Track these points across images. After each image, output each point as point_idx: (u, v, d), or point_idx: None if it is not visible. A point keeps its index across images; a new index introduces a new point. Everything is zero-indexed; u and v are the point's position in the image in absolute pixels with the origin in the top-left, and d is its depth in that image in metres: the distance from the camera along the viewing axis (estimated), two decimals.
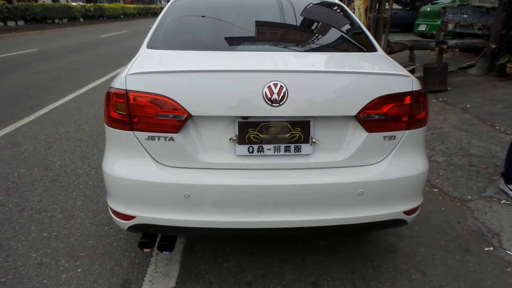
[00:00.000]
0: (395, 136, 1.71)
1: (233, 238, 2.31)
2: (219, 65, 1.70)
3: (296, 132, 1.66)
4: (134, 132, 1.63)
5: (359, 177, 1.68)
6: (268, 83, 1.56)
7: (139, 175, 1.65)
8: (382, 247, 2.32)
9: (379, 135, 1.69)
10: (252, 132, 1.64)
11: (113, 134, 1.70)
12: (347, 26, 2.45)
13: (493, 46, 6.01)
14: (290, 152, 1.67)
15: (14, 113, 5.08)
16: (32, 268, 2.10)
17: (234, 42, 2.15)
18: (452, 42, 6.08)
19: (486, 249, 2.31)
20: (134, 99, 1.60)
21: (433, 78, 5.65)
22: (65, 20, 26.03)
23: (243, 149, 1.65)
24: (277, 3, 2.49)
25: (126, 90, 1.60)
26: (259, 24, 2.31)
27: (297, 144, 1.67)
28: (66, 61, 9.62)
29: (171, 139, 1.62)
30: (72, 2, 31.18)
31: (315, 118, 1.66)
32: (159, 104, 1.59)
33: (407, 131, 1.72)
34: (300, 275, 2.07)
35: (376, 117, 1.66)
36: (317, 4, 2.66)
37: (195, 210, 1.65)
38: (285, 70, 1.60)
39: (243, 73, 1.60)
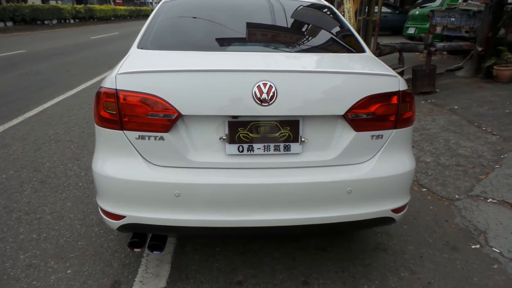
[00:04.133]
0: (382, 135, 1.74)
1: (224, 237, 2.32)
2: (209, 65, 1.71)
3: (286, 132, 1.68)
4: (124, 131, 1.63)
5: (347, 176, 1.70)
6: (258, 82, 1.58)
7: (129, 175, 1.65)
8: (372, 246, 2.35)
9: (367, 134, 1.71)
10: (242, 132, 1.66)
11: (103, 133, 1.70)
12: (336, 28, 2.48)
13: (480, 49, 6.12)
14: (279, 151, 1.69)
15: (2, 114, 5.02)
16: (21, 270, 2.08)
17: (224, 43, 2.17)
18: (440, 44, 6.18)
19: (473, 246, 2.35)
20: (124, 99, 1.60)
21: (422, 80, 5.73)
22: (55, 21, 25.80)
23: (233, 148, 1.67)
24: (267, 5, 2.52)
25: (116, 89, 1.61)
26: (249, 25, 2.33)
27: (287, 143, 1.69)
28: (56, 63, 9.53)
29: (161, 138, 1.63)
30: (62, 3, 30.90)
31: (304, 117, 1.68)
32: (149, 104, 1.59)
33: (394, 130, 1.75)
34: (291, 274, 2.09)
35: (364, 116, 1.69)
36: (307, 6, 2.69)
37: (186, 209, 1.66)
38: (274, 70, 1.62)
39: (233, 72, 1.62)
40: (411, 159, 1.86)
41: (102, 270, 2.09)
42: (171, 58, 1.90)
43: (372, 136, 1.73)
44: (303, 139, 1.70)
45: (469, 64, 6.60)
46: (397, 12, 15.36)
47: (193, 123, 1.65)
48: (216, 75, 1.61)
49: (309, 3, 2.72)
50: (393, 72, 1.79)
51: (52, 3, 29.92)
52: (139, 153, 1.66)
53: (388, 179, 1.76)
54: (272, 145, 1.68)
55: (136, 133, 1.63)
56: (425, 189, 3.09)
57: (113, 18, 35.32)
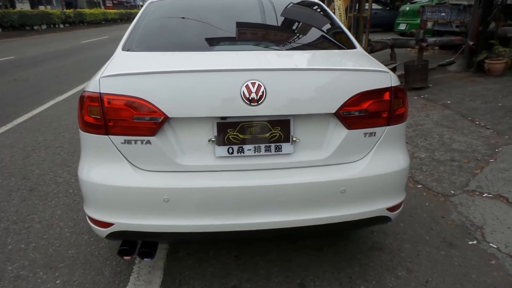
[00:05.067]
0: (375, 133, 1.70)
1: (217, 242, 2.27)
2: (195, 65, 1.66)
3: (276, 132, 1.63)
4: (110, 136, 1.58)
5: (341, 175, 1.66)
6: (246, 82, 1.53)
7: (115, 181, 1.59)
8: (368, 245, 2.31)
9: (360, 132, 1.68)
10: (231, 133, 1.61)
11: (88, 139, 1.65)
12: (326, 25, 2.45)
13: (471, 43, 6.13)
14: (270, 152, 1.64)
15: None
16: (8, 281, 2.02)
17: (212, 42, 2.12)
18: (431, 40, 6.18)
19: (470, 242, 2.33)
20: (109, 102, 1.55)
21: (414, 76, 5.73)
22: (44, 27, 25.49)
23: (222, 150, 1.62)
24: (256, 2, 2.47)
25: (100, 93, 1.55)
26: (238, 24, 2.28)
27: (278, 144, 1.64)
28: (45, 68, 9.41)
29: (148, 142, 1.57)
30: (52, 8, 30.62)
31: (295, 116, 1.64)
32: (135, 107, 1.54)
33: (387, 127, 1.72)
34: (287, 276, 2.04)
35: (356, 113, 1.65)
36: (297, 3, 2.65)
37: (175, 215, 1.61)
38: (262, 69, 1.58)
39: (219, 72, 1.57)
40: (405, 156, 1.83)
41: (93, 279, 2.03)
42: (156, 59, 1.85)
43: (365, 133, 1.69)
44: (294, 139, 1.65)
45: (461, 59, 6.62)
46: (388, 8, 15.40)
47: (181, 125, 1.60)
48: (203, 76, 1.56)
49: (298, 0, 2.68)
50: (384, 68, 1.75)
51: (42, 8, 29.61)
52: (126, 158, 1.60)
53: (382, 177, 1.72)
54: (262, 146, 1.64)
55: (122, 138, 1.58)
56: (420, 186, 3.07)
57: (103, 22, 35.05)
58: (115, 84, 1.56)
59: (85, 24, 30.99)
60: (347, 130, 1.65)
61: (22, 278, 2.04)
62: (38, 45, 15.89)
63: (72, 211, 2.73)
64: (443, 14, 7.25)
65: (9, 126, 4.80)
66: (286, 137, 1.64)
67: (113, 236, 1.69)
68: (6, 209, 2.77)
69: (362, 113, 1.65)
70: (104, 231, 1.68)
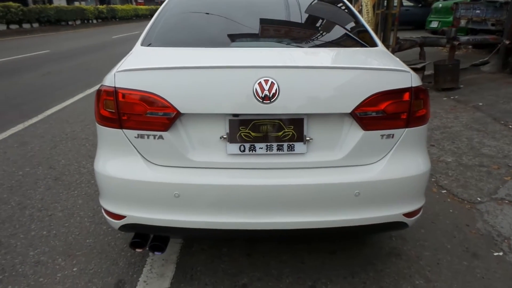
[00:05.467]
0: (393, 135, 1.64)
1: (227, 240, 2.26)
2: (209, 62, 1.65)
3: (289, 131, 1.60)
4: (124, 130, 1.60)
5: (355, 177, 1.61)
6: (259, 79, 1.51)
7: (128, 174, 1.62)
8: (385, 251, 2.24)
9: (376, 133, 1.62)
10: (243, 130, 1.59)
11: (103, 132, 1.68)
12: (348, 22, 2.38)
13: (507, 42, 5.81)
14: (283, 151, 1.62)
15: (24, 113, 5.14)
16: (29, 266, 2.10)
17: (231, 39, 2.10)
18: (464, 38, 5.91)
19: (496, 254, 2.21)
20: (123, 97, 1.57)
21: (444, 76, 5.49)
22: (78, 22, 26.40)
23: (234, 147, 1.61)
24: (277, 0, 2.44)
25: (115, 87, 1.58)
26: (257, 21, 2.26)
27: (290, 143, 1.61)
28: (78, 62, 9.73)
29: (161, 137, 1.58)
30: (86, 4, 31.66)
31: (309, 115, 1.60)
32: (148, 102, 1.55)
33: (406, 129, 1.65)
34: (298, 278, 2.01)
35: (373, 114, 1.59)
36: (321, 0, 2.59)
37: (185, 210, 1.61)
38: (276, 66, 1.55)
39: (233, 69, 1.56)
40: (425, 160, 1.75)
41: (108, 269, 2.08)
42: (173, 55, 1.86)
43: (382, 135, 1.63)
44: (307, 139, 1.62)
45: (495, 59, 6.30)
46: (420, 5, 14.85)
47: (193, 121, 1.60)
48: (216, 72, 1.55)
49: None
50: (405, 67, 1.68)
51: (76, 4, 30.66)
52: (139, 152, 1.62)
53: (400, 181, 1.65)
54: (275, 144, 1.61)
55: (135, 132, 1.60)
56: (444, 191, 2.94)
57: (134, 18, 35.85)
58: (130, 79, 1.58)
59: (117, 19, 31.84)
60: (363, 131, 1.60)
61: (42, 264, 2.12)
62: (72, 39, 16.47)
63: (92, 201, 2.80)
64: (478, 11, 6.91)
65: (40, 117, 4.99)
66: (299, 137, 1.61)
67: (125, 228, 1.72)
68: (32, 196, 2.89)
69: (380, 114, 1.59)
70: (117, 223, 1.71)
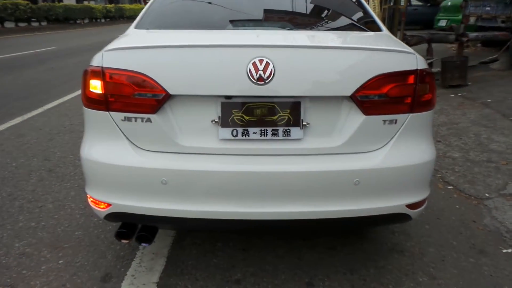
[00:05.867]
0: (396, 120, 1.53)
1: (219, 231, 2.16)
2: (202, 41, 1.55)
3: (285, 114, 1.50)
4: (110, 112, 1.51)
5: (355, 165, 1.50)
6: (253, 59, 1.41)
7: (114, 159, 1.53)
8: (387, 247, 2.13)
9: (378, 118, 1.51)
10: (236, 114, 1.50)
11: (89, 115, 1.59)
12: (353, 10, 2.27)
13: None
14: (278, 136, 1.51)
15: (23, 106, 5.09)
16: (13, 258, 2.02)
17: (228, 22, 2.01)
18: (472, 34, 5.75)
19: (504, 251, 2.08)
20: (111, 77, 1.48)
21: (452, 73, 5.35)
22: (86, 21, 26.55)
23: (226, 132, 1.51)
24: None
25: (102, 67, 1.49)
26: (256, 5, 2.17)
27: (286, 128, 1.51)
28: (82, 59, 9.69)
29: (148, 120, 1.49)
30: (95, 3, 31.83)
31: (306, 98, 1.49)
32: (136, 82, 1.46)
33: (410, 114, 1.54)
34: (295, 274, 1.91)
35: (375, 98, 1.48)
36: None
37: (173, 198, 1.52)
38: (272, 45, 1.45)
39: (225, 48, 1.46)
40: (430, 148, 1.64)
41: (95, 262, 1.99)
42: (165, 36, 1.77)
43: (384, 120, 1.52)
44: (304, 123, 1.51)
45: (505, 56, 6.13)
46: (429, 4, 14.64)
47: (183, 104, 1.51)
48: (207, 51, 1.46)
49: None
50: (410, 49, 1.57)
51: (85, 3, 30.84)
52: (126, 136, 1.53)
53: (402, 169, 1.54)
54: (269, 129, 1.51)
55: (122, 114, 1.51)
56: (451, 187, 2.82)
57: None
58: (118, 58, 1.50)
59: (125, 18, 31.96)
60: (364, 116, 1.49)
61: (27, 256, 2.04)
62: (78, 37, 16.51)
63: (85, 193, 2.69)
64: (488, 8, 6.74)
65: (40, 110, 4.94)
66: (295, 121, 1.50)
67: (111, 217, 1.63)
68: (23, 187, 2.81)
69: (382, 97, 1.48)
70: (102, 212, 1.62)
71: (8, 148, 3.61)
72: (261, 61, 1.41)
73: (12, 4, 19.16)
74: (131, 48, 1.51)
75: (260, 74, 1.41)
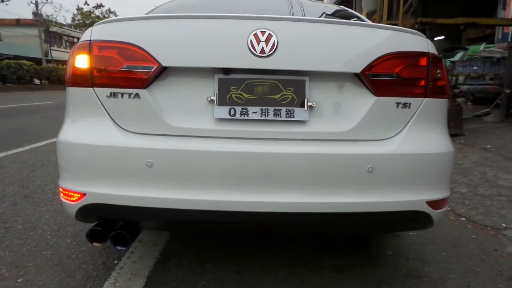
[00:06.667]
0: (410, 104, 1.39)
1: (215, 230, 1.85)
2: (198, 13, 1.46)
3: (288, 93, 1.36)
4: (95, 88, 1.36)
5: (368, 149, 1.33)
6: (254, 30, 1.31)
7: (92, 139, 1.34)
8: (402, 272, 1.85)
9: (390, 100, 1.37)
10: (234, 91, 1.35)
11: (71, 94, 1.44)
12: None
13: (508, 91, 5.79)
14: (280, 116, 1.35)
15: (10, 144, 4.91)
16: None
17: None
18: (464, 87, 5.91)
19: None
20: (99, 50, 1.36)
21: (448, 122, 5.34)
22: None
23: (223, 111, 1.35)
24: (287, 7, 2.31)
25: (90, 40, 1.37)
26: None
27: (290, 108, 1.36)
28: None
29: (137, 96, 1.34)
30: None
31: (312, 76, 1.37)
32: (126, 54, 1.34)
33: (425, 99, 1.40)
34: None
35: (386, 77, 1.36)
36: (331, 13, 2.46)
37: (159, 185, 1.30)
38: (274, 18, 1.35)
39: (223, 20, 1.36)
40: (449, 141, 1.48)
41: (61, 281, 1.67)
42: (161, 13, 1.68)
43: (398, 103, 1.38)
44: (310, 104, 1.36)
45: (498, 110, 6.24)
46: None
47: (176, 79, 1.37)
48: (204, 22, 1.36)
49: (333, 10, 2.50)
50: (421, 34, 1.49)
51: None
52: (109, 115, 1.36)
53: (420, 158, 1.37)
54: (271, 108, 1.35)
55: (107, 90, 1.35)
56: (463, 218, 2.59)
57: None
58: (108, 31, 1.39)
59: None
60: (375, 97, 1.36)
61: None
62: None
63: (61, 216, 2.44)
64: (475, 67, 7.05)
65: (26, 147, 4.75)
66: (300, 101, 1.36)
67: (84, 213, 1.39)
68: None
69: (394, 77, 1.37)
70: (74, 206, 1.38)
71: None
72: (263, 32, 1.31)
73: (16, 63, 19.92)
74: (122, 20, 1.40)
75: (262, 46, 1.30)
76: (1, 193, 2.89)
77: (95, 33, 1.39)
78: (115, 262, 1.85)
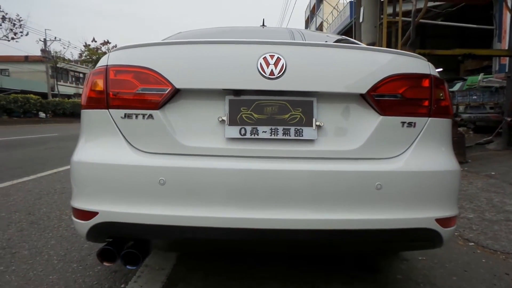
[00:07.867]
0: (415, 123, 1.43)
1: (224, 249, 1.83)
2: (209, 39, 1.54)
3: (297, 113, 1.41)
4: (110, 110, 1.42)
5: (376, 167, 1.36)
6: (264, 54, 1.38)
7: (106, 158, 1.38)
8: None
9: (396, 119, 1.42)
10: (245, 112, 1.40)
11: (86, 116, 1.49)
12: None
13: (509, 119, 5.86)
14: (289, 135, 1.40)
15: (15, 173, 4.94)
16: None
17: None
18: (465, 115, 5.99)
19: None
20: (115, 74, 1.43)
21: None
22: None
23: (233, 131, 1.39)
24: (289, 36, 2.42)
25: (107, 65, 1.45)
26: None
27: (298, 127, 1.40)
28: None
29: (150, 117, 1.39)
30: None
31: (319, 97, 1.42)
32: (140, 77, 1.41)
33: (430, 118, 1.45)
34: None
35: (391, 97, 1.41)
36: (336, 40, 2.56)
37: (171, 203, 1.32)
38: (283, 42, 1.43)
39: (234, 45, 1.44)
40: (454, 159, 1.51)
41: None
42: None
43: (403, 123, 1.42)
44: (318, 123, 1.41)
45: (500, 138, 6.28)
46: None
47: (188, 100, 1.42)
48: (216, 48, 1.43)
49: (335, 39, 2.60)
50: (423, 57, 1.56)
51: None
52: (123, 136, 1.41)
53: (428, 175, 1.39)
54: (280, 128, 1.40)
55: (122, 112, 1.41)
56: (472, 243, 2.56)
57: None
58: (123, 56, 1.46)
59: None
60: (381, 117, 1.41)
61: None
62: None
63: (68, 242, 2.43)
64: (475, 97, 7.17)
65: (32, 177, 4.78)
66: (308, 120, 1.40)
67: (96, 231, 1.40)
68: None
69: (398, 97, 1.42)
70: (86, 225, 1.40)
71: None
72: (272, 56, 1.38)
73: (23, 98, 20.34)
74: (138, 46, 1.48)
75: (271, 69, 1.36)
76: (8, 220, 2.90)
77: (111, 58, 1.46)
78: (122, 286, 1.83)
